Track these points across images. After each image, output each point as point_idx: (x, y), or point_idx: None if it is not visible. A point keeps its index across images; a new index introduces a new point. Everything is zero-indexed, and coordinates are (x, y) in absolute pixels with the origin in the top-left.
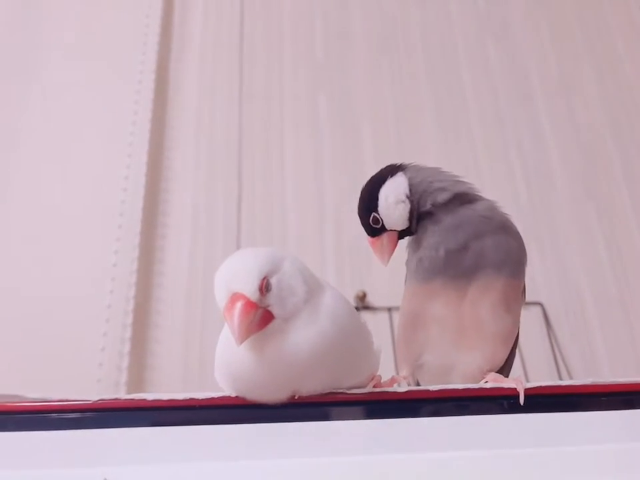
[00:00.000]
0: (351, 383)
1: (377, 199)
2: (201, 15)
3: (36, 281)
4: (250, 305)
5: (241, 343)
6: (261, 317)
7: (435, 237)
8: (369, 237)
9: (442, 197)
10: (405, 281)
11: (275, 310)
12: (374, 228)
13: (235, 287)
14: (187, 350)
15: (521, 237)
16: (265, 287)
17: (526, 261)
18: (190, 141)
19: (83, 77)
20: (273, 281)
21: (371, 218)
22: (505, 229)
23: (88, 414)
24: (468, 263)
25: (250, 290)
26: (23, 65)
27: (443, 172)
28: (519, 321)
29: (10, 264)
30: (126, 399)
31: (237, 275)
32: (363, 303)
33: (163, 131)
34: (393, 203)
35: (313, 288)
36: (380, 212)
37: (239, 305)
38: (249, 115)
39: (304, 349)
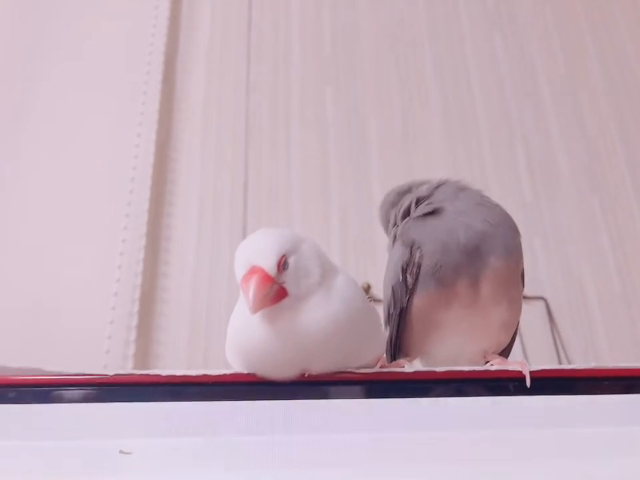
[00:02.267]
0: (359, 363)
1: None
2: (209, 7)
3: (44, 270)
4: (267, 279)
5: (255, 312)
6: (275, 292)
7: (449, 220)
8: None
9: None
10: (412, 275)
11: (289, 288)
12: None
13: (254, 261)
14: (192, 338)
15: (511, 218)
16: (282, 265)
17: (520, 245)
18: (197, 133)
19: (91, 70)
20: (291, 260)
21: None
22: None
23: (105, 388)
24: (476, 253)
25: (269, 265)
26: (30, 59)
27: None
28: (520, 309)
29: (19, 254)
30: (141, 374)
31: (258, 250)
32: (367, 295)
33: (171, 122)
34: None
35: (328, 272)
36: None
37: (256, 277)
38: (256, 107)
39: (314, 328)
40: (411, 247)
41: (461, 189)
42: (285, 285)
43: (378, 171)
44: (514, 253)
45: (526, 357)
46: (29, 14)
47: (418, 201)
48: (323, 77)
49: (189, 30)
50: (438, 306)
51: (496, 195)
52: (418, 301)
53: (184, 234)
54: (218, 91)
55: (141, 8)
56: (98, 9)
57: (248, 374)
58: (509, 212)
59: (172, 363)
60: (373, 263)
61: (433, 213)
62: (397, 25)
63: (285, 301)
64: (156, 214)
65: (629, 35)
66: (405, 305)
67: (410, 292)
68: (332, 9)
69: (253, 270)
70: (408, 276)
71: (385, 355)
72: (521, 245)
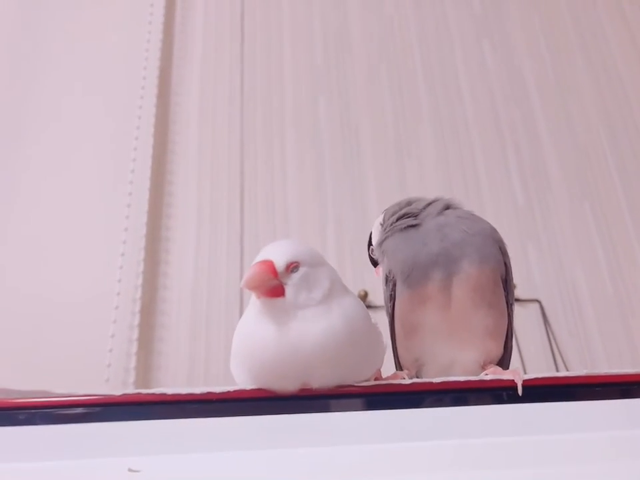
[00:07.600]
0: (359, 379)
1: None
2: (202, 20)
3: (45, 284)
4: (271, 270)
5: (244, 286)
6: (274, 286)
7: (427, 230)
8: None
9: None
10: (392, 282)
11: (288, 291)
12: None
13: (268, 255)
14: (192, 349)
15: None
16: (291, 268)
17: (499, 253)
18: (193, 145)
19: (87, 84)
20: (302, 269)
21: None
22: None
23: (112, 407)
24: (448, 257)
25: (278, 261)
26: (27, 67)
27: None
28: (504, 316)
29: (20, 269)
30: (147, 393)
31: (276, 248)
32: (364, 302)
33: (167, 135)
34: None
35: (334, 295)
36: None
37: (262, 264)
38: (250, 117)
39: (310, 336)
40: (390, 257)
41: (448, 206)
42: (285, 286)
43: (372, 178)
44: (490, 260)
45: (522, 357)
46: (26, 29)
47: (404, 216)
48: (315, 87)
49: (182, 43)
50: (413, 307)
51: (488, 200)
52: (397, 305)
53: (182, 246)
54: (212, 102)
55: (134, 24)
56: (92, 25)
57: (251, 390)
58: (502, 217)
59: (173, 374)
60: (369, 270)
61: (413, 226)
62: (388, 34)
63: (280, 302)
64: (154, 226)
65: (616, 41)
66: (391, 312)
67: (393, 298)
68: (323, 19)
69: (264, 261)
70: (390, 284)
71: (381, 369)
72: (502, 254)
